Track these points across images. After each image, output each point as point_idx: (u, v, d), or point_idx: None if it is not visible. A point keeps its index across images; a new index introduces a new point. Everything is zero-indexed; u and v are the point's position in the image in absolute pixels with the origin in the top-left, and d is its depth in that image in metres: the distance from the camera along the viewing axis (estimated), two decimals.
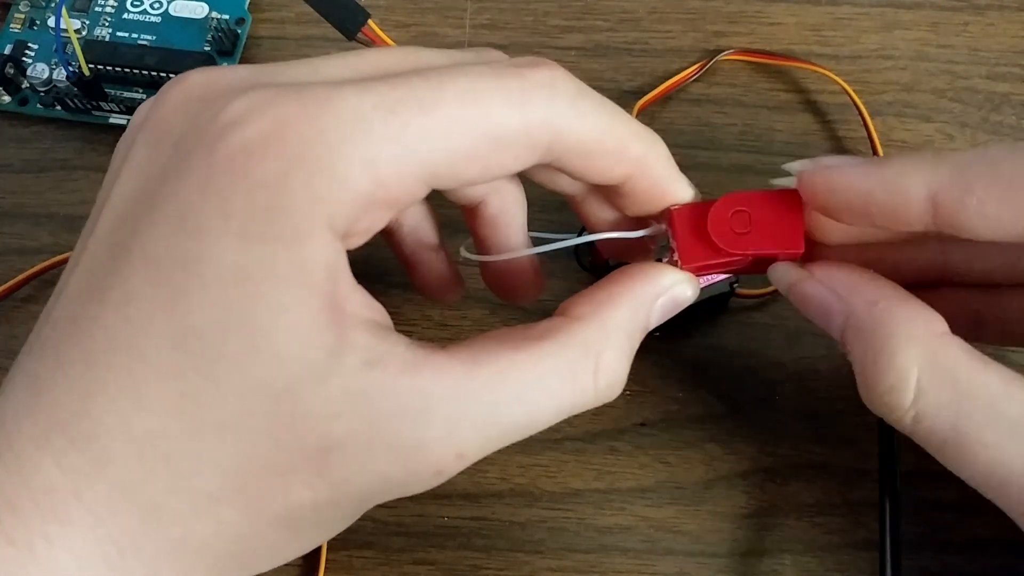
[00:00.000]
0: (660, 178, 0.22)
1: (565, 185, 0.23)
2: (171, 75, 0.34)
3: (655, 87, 0.34)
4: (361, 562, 0.29)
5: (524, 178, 0.23)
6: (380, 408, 0.18)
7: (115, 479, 0.17)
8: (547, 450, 0.30)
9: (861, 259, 0.23)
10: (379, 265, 0.32)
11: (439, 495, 0.29)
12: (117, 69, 0.34)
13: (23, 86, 0.36)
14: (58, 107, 0.35)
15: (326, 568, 0.28)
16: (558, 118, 0.19)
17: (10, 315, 0.32)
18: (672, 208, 0.22)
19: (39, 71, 0.35)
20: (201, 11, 0.36)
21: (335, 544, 0.29)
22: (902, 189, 0.20)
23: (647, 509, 0.29)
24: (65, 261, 0.32)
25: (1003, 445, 0.20)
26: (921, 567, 0.28)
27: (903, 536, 0.26)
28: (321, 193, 0.18)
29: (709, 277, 0.28)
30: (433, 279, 0.26)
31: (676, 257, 0.22)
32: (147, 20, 0.36)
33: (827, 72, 0.34)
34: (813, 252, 0.24)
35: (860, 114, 0.33)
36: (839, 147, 0.34)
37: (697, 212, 0.22)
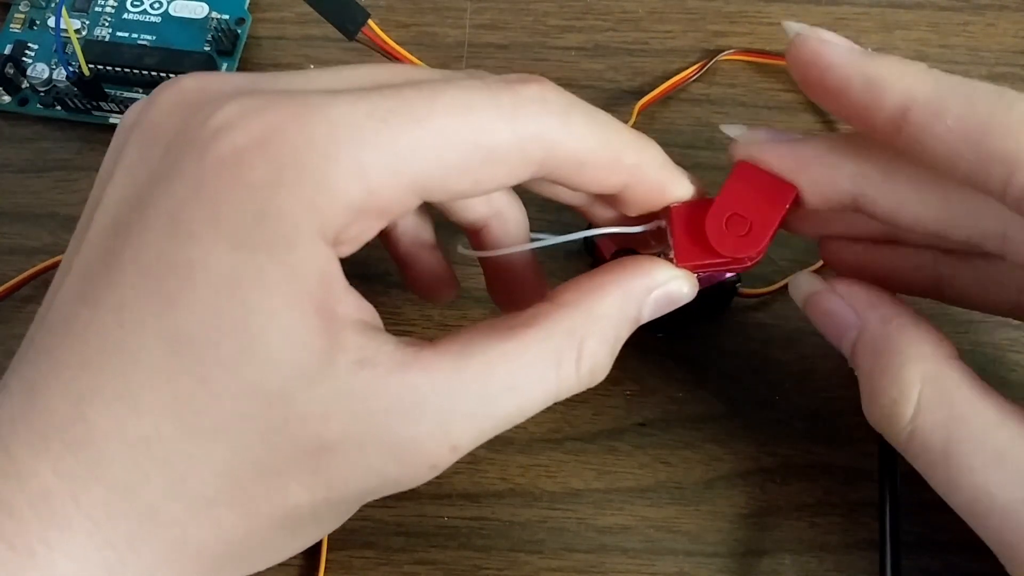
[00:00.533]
0: (656, 183, 0.22)
1: (565, 196, 0.23)
2: (171, 75, 0.34)
3: (655, 87, 0.34)
4: (361, 562, 0.29)
5: (521, 185, 0.23)
6: (372, 406, 0.18)
7: (112, 483, 0.17)
8: (547, 450, 0.30)
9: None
10: (379, 265, 0.32)
11: (439, 495, 0.29)
12: (117, 69, 0.34)
13: (23, 86, 0.36)
14: (58, 107, 0.35)
15: (326, 568, 0.28)
16: (550, 131, 0.20)
17: (10, 315, 0.32)
18: (672, 206, 0.22)
19: (39, 71, 0.35)
20: (201, 11, 0.36)
21: (335, 544, 0.29)
22: (879, 89, 0.20)
23: (647, 509, 0.29)
24: None
25: (988, 473, 0.20)
26: (921, 567, 0.28)
27: (903, 536, 0.26)
28: (312, 200, 0.18)
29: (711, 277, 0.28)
30: (427, 279, 0.26)
31: (672, 255, 0.22)
32: (147, 20, 0.36)
33: None
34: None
35: None
36: None
37: (697, 211, 0.22)
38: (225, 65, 0.35)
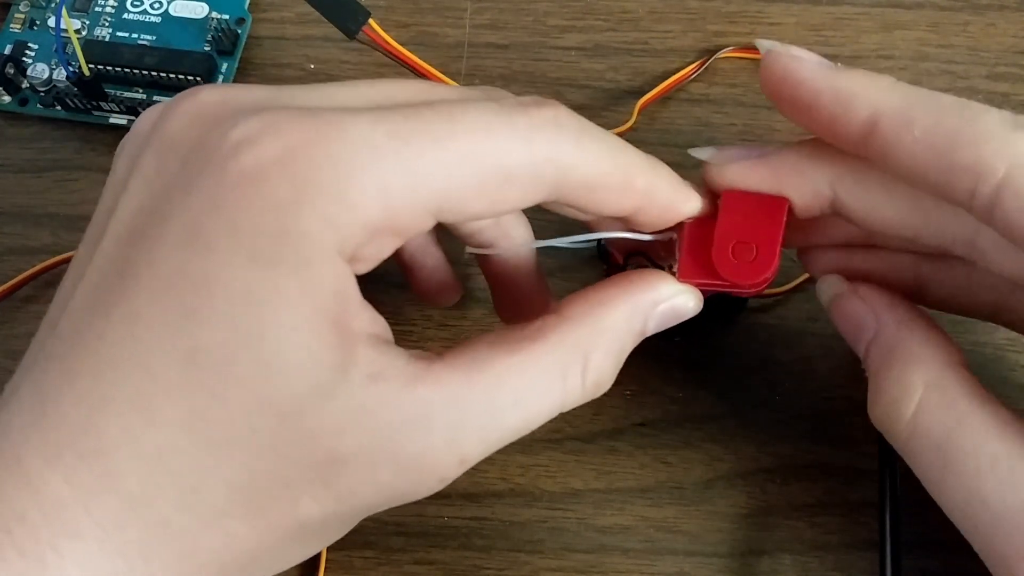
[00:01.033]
0: (667, 205, 0.22)
1: (576, 215, 0.24)
2: (171, 75, 0.34)
3: (655, 87, 0.34)
4: (361, 562, 0.29)
5: None
6: (384, 421, 0.18)
7: (124, 494, 0.17)
8: (547, 450, 0.30)
9: None
10: (379, 265, 0.32)
11: (439, 495, 0.29)
12: (117, 69, 0.34)
13: (23, 86, 0.36)
14: (58, 107, 0.35)
15: (326, 568, 0.28)
16: (563, 154, 0.20)
17: (10, 315, 0.32)
18: (686, 221, 0.23)
19: (39, 71, 0.35)
20: (201, 11, 0.36)
21: (335, 544, 0.28)
22: (849, 103, 0.20)
23: (647, 509, 0.29)
24: (65, 261, 0.32)
25: (982, 479, 0.20)
26: (921, 567, 0.28)
27: (903, 536, 0.26)
28: (331, 218, 0.18)
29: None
30: (431, 284, 0.26)
31: (676, 269, 0.23)
32: (147, 20, 0.36)
33: None
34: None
35: None
36: None
37: (708, 229, 0.22)
38: (225, 65, 0.35)
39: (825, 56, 0.35)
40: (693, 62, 0.35)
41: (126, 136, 0.21)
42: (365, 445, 0.18)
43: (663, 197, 0.22)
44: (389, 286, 0.32)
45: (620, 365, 0.22)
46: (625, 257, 0.27)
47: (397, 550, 0.29)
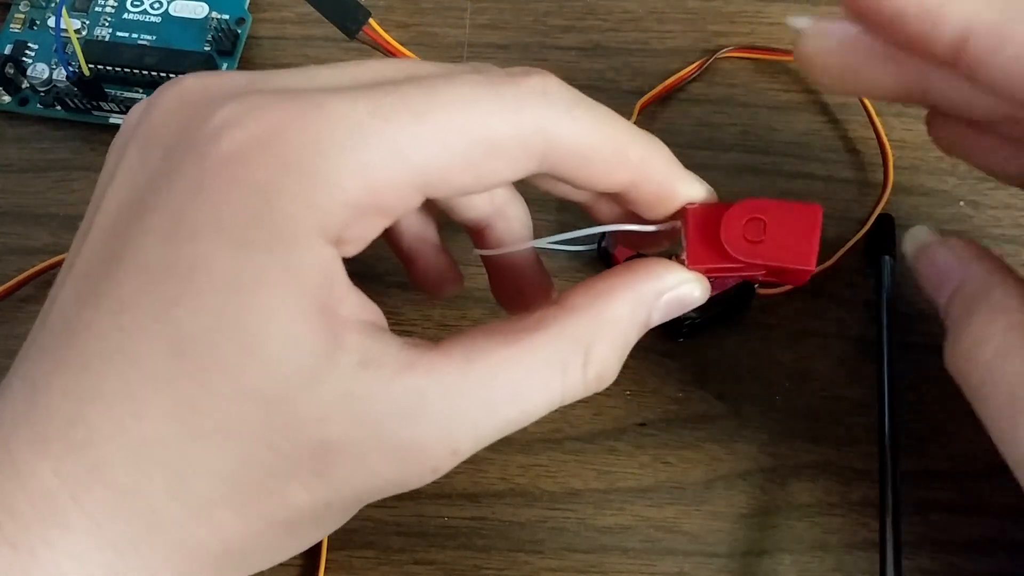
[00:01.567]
0: (665, 180, 0.22)
1: (570, 193, 0.23)
2: (171, 75, 0.34)
3: (655, 87, 0.34)
4: (361, 562, 0.29)
5: (525, 183, 0.23)
6: (375, 409, 0.18)
7: (113, 485, 0.17)
8: (547, 450, 0.30)
9: None
10: (379, 265, 0.32)
11: (439, 495, 0.29)
12: (117, 69, 0.34)
13: (23, 86, 0.36)
14: (58, 107, 0.35)
15: (326, 568, 0.28)
16: (552, 123, 0.19)
17: (10, 315, 0.32)
18: (688, 207, 0.22)
19: (39, 71, 0.35)
20: (201, 11, 0.36)
21: (335, 544, 0.29)
22: (938, 13, 0.19)
23: (647, 509, 0.29)
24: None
25: None
26: (921, 567, 0.28)
27: (903, 536, 0.26)
28: (313, 199, 0.18)
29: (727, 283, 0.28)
30: (431, 274, 0.26)
31: (684, 256, 0.22)
32: (147, 20, 0.36)
33: None
34: None
35: (864, 109, 0.33)
36: (840, 146, 0.34)
37: (713, 213, 0.22)
38: (225, 65, 0.35)
39: None
40: (693, 62, 0.35)
41: (117, 134, 0.21)
42: (355, 433, 0.18)
43: (658, 171, 0.21)
44: (389, 286, 0.32)
45: (624, 357, 0.21)
46: (626, 260, 0.27)
47: (397, 550, 0.29)
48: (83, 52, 0.34)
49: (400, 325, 0.32)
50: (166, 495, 0.17)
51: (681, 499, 0.29)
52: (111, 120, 0.35)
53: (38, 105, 0.35)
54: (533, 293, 0.26)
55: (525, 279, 0.25)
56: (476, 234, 0.25)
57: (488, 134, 0.19)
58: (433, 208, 0.25)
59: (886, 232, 0.31)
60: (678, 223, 0.22)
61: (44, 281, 0.32)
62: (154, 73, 0.34)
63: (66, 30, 0.34)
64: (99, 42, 0.36)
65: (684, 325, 0.28)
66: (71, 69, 0.34)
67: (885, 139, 0.33)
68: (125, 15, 0.36)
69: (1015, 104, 0.19)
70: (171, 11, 0.36)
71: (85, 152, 0.35)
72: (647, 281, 0.21)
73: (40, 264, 0.32)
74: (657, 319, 0.22)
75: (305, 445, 0.18)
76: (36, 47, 0.36)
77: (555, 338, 0.20)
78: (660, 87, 0.34)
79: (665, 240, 0.24)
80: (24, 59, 0.36)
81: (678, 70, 0.34)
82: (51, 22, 0.36)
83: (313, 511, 0.19)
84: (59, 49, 0.35)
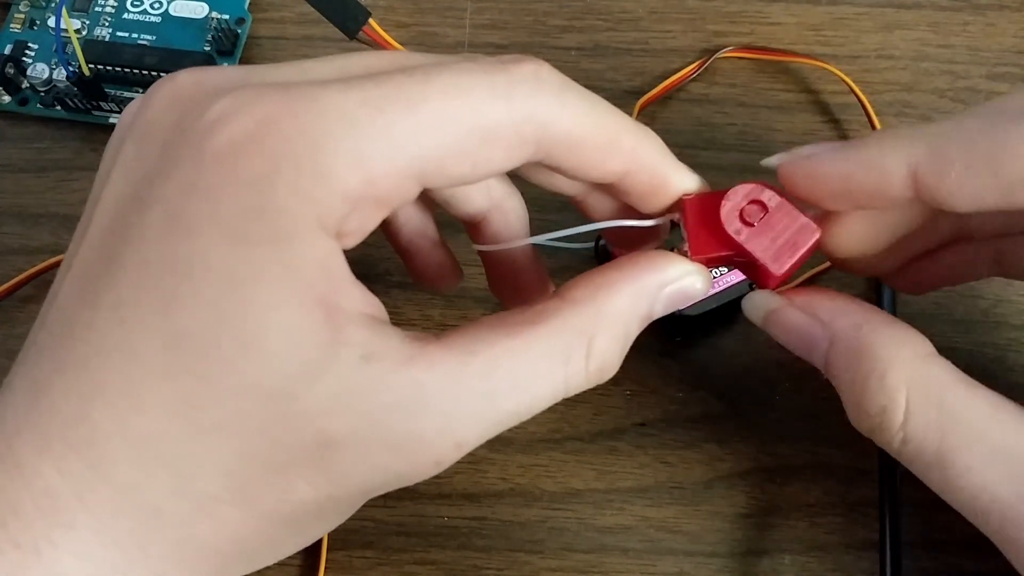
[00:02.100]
0: (658, 170, 0.22)
1: (564, 185, 0.23)
2: None
3: (655, 87, 0.34)
4: (361, 562, 0.29)
5: (522, 180, 0.23)
6: (377, 402, 0.18)
7: (116, 482, 0.17)
8: (547, 450, 0.30)
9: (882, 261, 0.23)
10: (379, 265, 0.32)
11: (439, 495, 0.29)
12: (117, 69, 0.34)
13: (23, 86, 0.36)
14: (58, 107, 0.35)
15: (326, 568, 0.28)
16: (544, 110, 0.19)
17: (10, 315, 0.32)
18: (685, 197, 0.22)
19: (39, 71, 0.35)
20: (201, 11, 0.36)
21: (335, 544, 0.29)
22: (881, 169, 0.20)
23: (647, 509, 0.29)
24: None
25: (986, 471, 0.20)
26: (921, 567, 0.28)
27: (903, 536, 0.26)
28: (309, 191, 0.18)
29: (727, 280, 0.28)
30: (431, 268, 0.26)
31: (686, 247, 0.22)
32: (147, 20, 0.36)
33: (827, 66, 0.34)
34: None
35: (864, 110, 0.33)
36: None
37: (711, 202, 0.22)
38: (225, 65, 0.35)
39: (825, 56, 0.35)
40: (693, 62, 0.35)
41: (113, 132, 0.21)
42: (357, 427, 0.18)
43: (651, 160, 0.21)
44: (389, 286, 0.32)
45: (626, 350, 0.21)
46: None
47: (397, 550, 0.29)
48: (83, 52, 0.34)
49: (400, 325, 0.31)
50: (169, 492, 0.17)
51: (681, 499, 0.29)
52: (111, 120, 0.35)
53: (38, 105, 0.35)
54: (530, 288, 0.26)
55: (522, 274, 0.25)
56: (473, 228, 0.25)
57: (482, 122, 0.19)
58: (430, 202, 0.25)
59: None
60: (675, 216, 0.22)
61: (44, 281, 0.32)
62: (154, 73, 0.34)
63: (66, 30, 0.34)
64: (99, 42, 0.36)
65: (679, 320, 0.28)
66: (71, 69, 0.34)
67: None
68: (125, 15, 0.36)
69: (991, 208, 0.19)
70: (171, 11, 0.36)
71: (85, 152, 0.35)
72: (650, 273, 0.21)
73: (40, 264, 0.32)
74: (660, 311, 0.22)
75: (307, 439, 0.18)
76: (36, 47, 0.36)
77: (557, 330, 0.20)
78: (660, 87, 0.34)
79: (659, 237, 0.24)
80: (24, 59, 0.36)
81: (678, 70, 0.34)
82: (51, 22, 0.36)
83: (316, 505, 0.18)
84: (59, 49, 0.35)
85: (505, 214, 0.24)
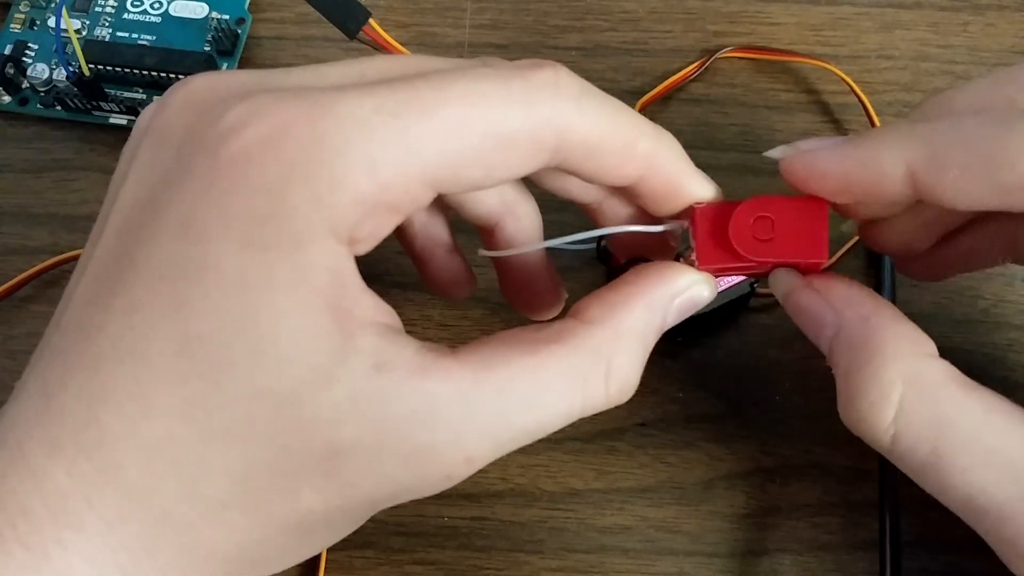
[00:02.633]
0: (674, 175, 0.22)
1: (578, 191, 0.23)
2: (171, 75, 0.34)
3: (655, 87, 0.34)
4: (361, 562, 0.29)
5: (531, 183, 0.23)
6: (388, 412, 0.18)
7: (125, 486, 0.17)
8: (547, 450, 0.30)
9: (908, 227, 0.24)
10: (378, 265, 0.32)
11: (439, 495, 0.29)
12: (117, 69, 0.34)
13: (23, 86, 0.36)
14: (58, 107, 0.35)
15: (326, 568, 0.28)
16: (562, 116, 0.19)
17: (10, 315, 0.32)
18: (696, 206, 0.22)
19: (39, 71, 0.35)
20: (201, 11, 0.36)
21: (335, 544, 0.28)
22: (878, 168, 0.20)
23: (647, 509, 0.29)
24: (66, 261, 0.32)
25: (980, 471, 0.20)
26: (921, 567, 0.28)
27: (903, 536, 0.26)
28: (322, 197, 0.18)
29: (728, 279, 0.28)
30: (444, 275, 0.26)
31: (694, 257, 0.22)
32: (147, 20, 0.36)
33: (827, 65, 0.34)
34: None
35: (864, 109, 0.33)
36: None
37: (720, 213, 0.22)
38: (225, 65, 0.36)
39: (825, 56, 0.35)
40: (693, 62, 0.35)
41: (129, 137, 0.21)
42: (366, 436, 0.18)
43: (667, 165, 0.21)
44: (389, 286, 0.32)
45: (643, 366, 0.21)
46: (627, 261, 0.27)
47: (397, 550, 0.29)
48: (83, 52, 0.34)
49: None
50: (178, 497, 0.17)
51: (681, 499, 0.29)
52: (111, 120, 0.35)
53: (38, 105, 0.35)
54: (543, 293, 0.25)
55: (535, 280, 0.25)
56: (486, 233, 0.25)
57: (499, 128, 0.19)
58: (446, 208, 0.25)
59: None
60: (685, 223, 0.22)
61: (44, 281, 0.32)
62: (154, 73, 0.34)
63: (66, 30, 0.34)
64: (99, 42, 0.36)
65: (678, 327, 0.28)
66: (71, 69, 0.34)
67: None
68: (125, 15, 0.36)
69: (985, 208, 0.20)
70: (171, 11, 0.36)
71: (85, 152, 0.35)
72: (661, 286, 0.21)
73: (40, 264, 0.32)
74: (672, 321, 0.22)
75: (316, 446, 0.18)
76: (36, 47, 0.36)
77: (575, 350, 0.20)
78: (660, 87, 0.34)
79: (671, 241, 0.24)
80: (24, 59, 0.36)
81: (678, 70, 0.34)
82: (51, 22, 0.36)
83: (324, 514, 0.18)
84: (59, 49, 0.35)
85: (519, 219, 0.24)
